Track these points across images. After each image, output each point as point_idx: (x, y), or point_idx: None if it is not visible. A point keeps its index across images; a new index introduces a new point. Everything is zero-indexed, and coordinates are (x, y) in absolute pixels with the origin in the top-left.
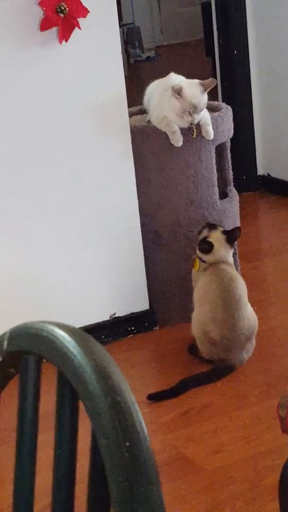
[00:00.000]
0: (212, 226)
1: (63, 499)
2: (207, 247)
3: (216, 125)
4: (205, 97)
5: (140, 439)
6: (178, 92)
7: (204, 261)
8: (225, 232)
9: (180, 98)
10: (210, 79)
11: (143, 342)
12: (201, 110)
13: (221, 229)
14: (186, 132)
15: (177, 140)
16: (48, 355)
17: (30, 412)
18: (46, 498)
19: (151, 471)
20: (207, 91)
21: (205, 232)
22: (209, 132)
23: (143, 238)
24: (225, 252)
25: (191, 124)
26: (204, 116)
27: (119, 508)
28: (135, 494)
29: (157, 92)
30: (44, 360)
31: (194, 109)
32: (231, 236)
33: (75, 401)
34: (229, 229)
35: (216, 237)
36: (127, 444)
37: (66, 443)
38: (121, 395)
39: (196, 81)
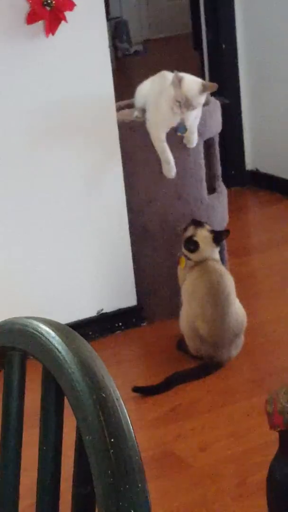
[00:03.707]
0: (198, 224)
1: (48, 496)
2: (192, 247)
3: (205, 120)
4: (201, 98)
5: (125, 435)
6: (179, 80)
7: (189, 259)
8: (212, 232)
9: (177, 87)
10: (213, 83)
11: (131, 338)
12: (193, 109)
13: (208, 227)
14: (171, 132)
15: (169, 170)
16: (33, 351)
17: (15, 408)
18: (31, 496)
19: (136, 467)
20: (205, 92)
21: (191, 230)
22: (191, 140)
23: (130, 234)
24: (210, 251)
25: (181, 120)
26: (192, 123)
27: (104, 505)
28: (120, 490)
29: (153, 94)
30: (30, 357)
31: (185, 102)
32: (218, 237)
33: (60, 398)
34: (217, 225)
35: (202, 235)
36: (112, 440)
37: (51, 439)
38: (106, 391)
39: (200, 80)
